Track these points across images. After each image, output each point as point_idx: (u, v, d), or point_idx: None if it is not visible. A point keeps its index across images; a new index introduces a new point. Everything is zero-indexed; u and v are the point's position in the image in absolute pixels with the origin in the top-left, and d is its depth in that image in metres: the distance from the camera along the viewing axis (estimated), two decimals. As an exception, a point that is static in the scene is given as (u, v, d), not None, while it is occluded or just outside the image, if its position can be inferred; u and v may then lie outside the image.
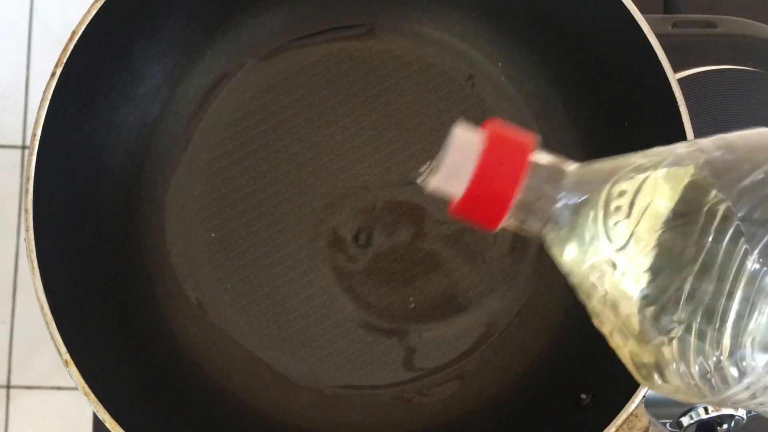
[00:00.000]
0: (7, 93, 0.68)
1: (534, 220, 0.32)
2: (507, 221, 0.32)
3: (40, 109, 0.46)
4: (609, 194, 0.29)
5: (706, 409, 0.54)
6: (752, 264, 0.26)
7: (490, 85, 0.58)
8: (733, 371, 0.27)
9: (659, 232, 0.28)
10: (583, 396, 0.50)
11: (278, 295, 0.56)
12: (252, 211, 0.56)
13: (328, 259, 0.56)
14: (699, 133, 0.51)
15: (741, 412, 0.54)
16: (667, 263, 0.28)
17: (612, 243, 0.29)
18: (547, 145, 0.58)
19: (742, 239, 0.26)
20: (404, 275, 0.56)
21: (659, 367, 0.29)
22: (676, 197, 0.27)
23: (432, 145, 0.57)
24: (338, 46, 0.58)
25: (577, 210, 0.30)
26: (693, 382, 0.28)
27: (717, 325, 0.26)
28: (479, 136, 0.32)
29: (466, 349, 0.56)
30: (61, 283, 0.47)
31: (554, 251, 0.32)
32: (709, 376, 0.27)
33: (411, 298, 0.56)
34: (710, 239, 0.26)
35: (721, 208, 0.26)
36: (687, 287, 0.27)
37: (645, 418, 0.46)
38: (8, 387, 0.66)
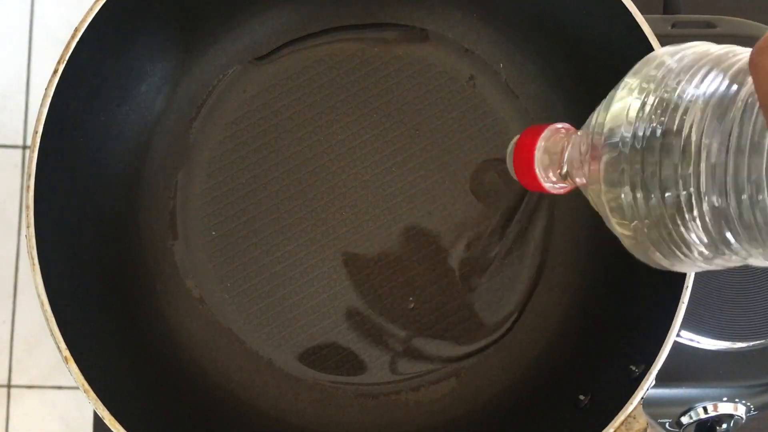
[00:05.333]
0: (7, 93, 0.68)
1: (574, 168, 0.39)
2: (553, 178, 0.42)
3: (41, 106, 0.46)
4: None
5: (705, 409, 0.54)
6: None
7: (492, 86, 0.58)
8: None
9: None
10: (582, 397, 0.50)
11: (278, 294, 0.56)
12: (252, 210, 0.56)
13: (327, 258, 0.56)
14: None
15: (740, 412, 0.54)
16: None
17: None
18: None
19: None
20: (404, 275, 0.56)
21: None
22: None
23: (433, 146, 0.57)
24: (339, 46, 0.58)
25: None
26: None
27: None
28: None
29: (464, 349, 0.56)
30: (61, 279, 0.47)
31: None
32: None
33: (410, 298, 0.56)
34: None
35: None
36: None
37: (643, 419, 0.46)
38: (9, 386, 0.66)
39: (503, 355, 0.56)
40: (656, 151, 0.31)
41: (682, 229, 0.31)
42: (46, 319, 0.45)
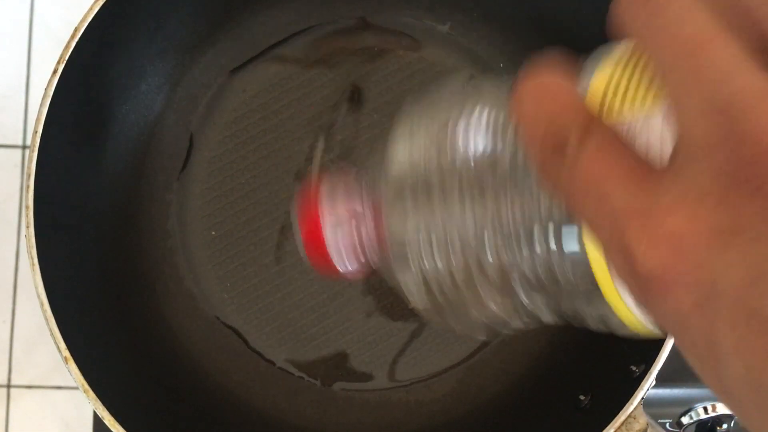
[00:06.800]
0: (7, 93, 0.68)
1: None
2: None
3: (41, 106, 0.46)
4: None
5: (705, 409, 0.54)
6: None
7: (492, 86, 0.58)
8: None
9: None
10: (582, 397, 0.50)
11: (278, 294, 0.56)
12: (252, 210, 0.56)
13: (327, 258, 0.56)
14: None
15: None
16: None
17: None
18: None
19: None
20: (404, 275, 0.56)
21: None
22: None
23: (432, 146, 0.57)
24: (340, 44, 0.58)
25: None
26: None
27: None
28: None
29: (464, 349, 0.56)
30: (61, 280, 0.47)
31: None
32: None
33: (410, 298, 0.56)
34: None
35: None
36: None
37: (643, 419, 0.46)
38: (8, 386, 0.66)
39: (503, 355, 0.56)
40: (431, 200, 0.28)
41: (475, 292, 0.28)
42: (46, 320, 0.45)
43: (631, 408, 0.45)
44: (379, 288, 0.56)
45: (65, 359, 0.44)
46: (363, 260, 0.32)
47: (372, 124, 0.57)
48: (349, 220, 0.31)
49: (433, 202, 0.27)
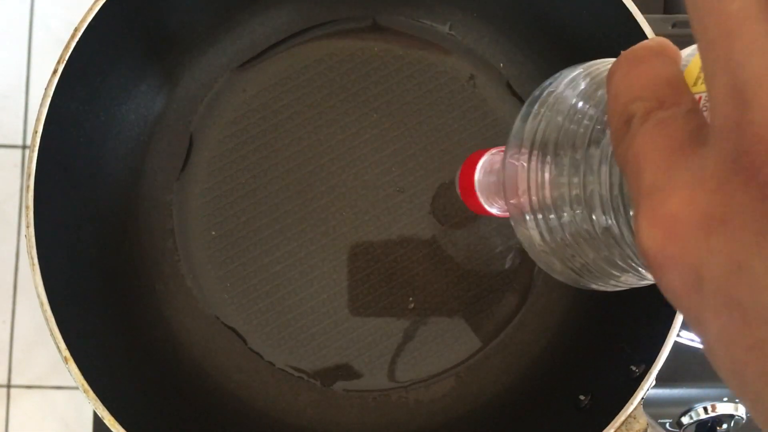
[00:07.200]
0: (7, 93, 0.68)
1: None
2: (498, 203, 0.42)
3: (41, 106, 0.46)
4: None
5: (705, 409, 0.54)
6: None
7: (492, 86, 0.58)
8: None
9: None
10: (582, 397, 0.50)
11: (278, 294, 0.56)
12: (252, 210, 0.56)
13: (327, 258, 0.56)
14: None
15: (740, 412, 0.54)
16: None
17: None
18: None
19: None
20: (404, 275, 0.56)
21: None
22: None
23: (433, 145, 0.57)
24: (340, 45, 0.58)
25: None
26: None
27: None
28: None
29: (464, 349, 0.56)
30: (61, 280, 0.47)
31: None
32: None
33: (410, 298, 0.56)
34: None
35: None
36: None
37: (643, 420, 0.46)
38: (8, 387, 0.66)
39: (503, 355, 0.56)
40: (552, 169, 0.30)
41: (583, 246, 0.30)
42: (46, 320, 0.45)
43: (631, 408, 0.45)
44: (379, 288, 0.56)
45: (65, 359, 0.44)
46: (498, 205, 0.42)
47: (372, 124, 0.57)
48: (492, 173, 0.41)
49: (547, 164, 0.30)
